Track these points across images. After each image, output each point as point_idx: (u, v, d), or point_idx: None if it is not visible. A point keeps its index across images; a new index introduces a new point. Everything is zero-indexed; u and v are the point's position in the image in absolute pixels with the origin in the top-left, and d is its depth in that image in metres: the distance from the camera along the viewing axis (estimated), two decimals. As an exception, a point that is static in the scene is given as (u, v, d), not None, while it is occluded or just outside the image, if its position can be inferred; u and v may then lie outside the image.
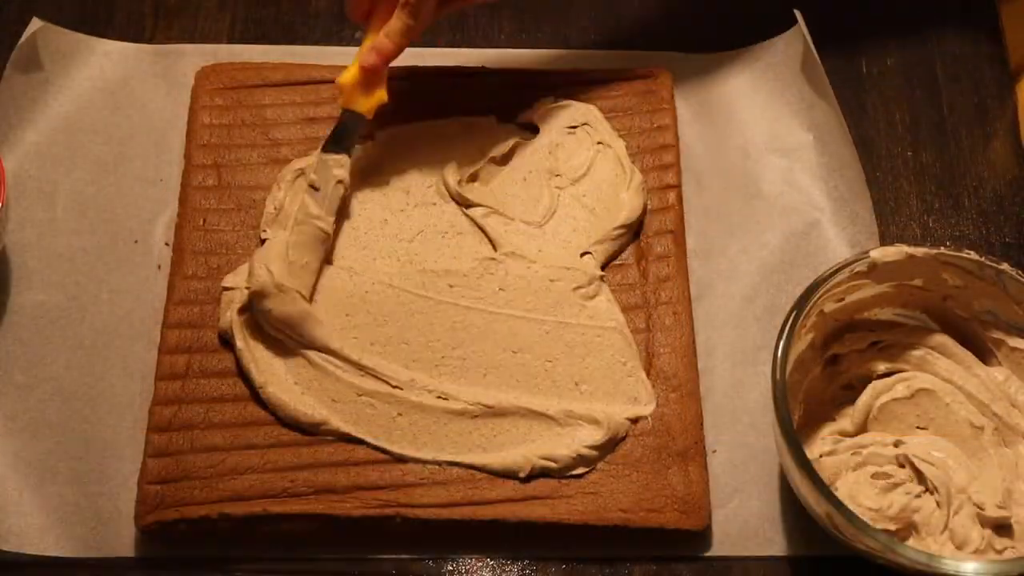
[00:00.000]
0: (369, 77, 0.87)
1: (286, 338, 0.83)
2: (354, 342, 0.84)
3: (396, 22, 0.86)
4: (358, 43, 1.01)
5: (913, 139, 0.99)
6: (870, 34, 1.04)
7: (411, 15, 0.85)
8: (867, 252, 0.80)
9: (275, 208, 0.89)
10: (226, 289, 0.86)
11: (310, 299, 0.84)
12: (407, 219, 0.89)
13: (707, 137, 0.97)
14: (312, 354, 0.83)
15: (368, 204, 0.90)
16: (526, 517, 0.79)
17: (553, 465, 0.80)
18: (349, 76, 0.87)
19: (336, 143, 0.88)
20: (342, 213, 0.88)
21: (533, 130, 0.94)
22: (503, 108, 0.95)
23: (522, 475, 0.80)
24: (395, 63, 0.97)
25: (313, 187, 0.87)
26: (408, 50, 1.00)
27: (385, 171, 0.92)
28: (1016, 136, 0.99)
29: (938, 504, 0.79)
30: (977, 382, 0.82)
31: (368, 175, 0.91)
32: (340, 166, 0.88)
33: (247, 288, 0.83)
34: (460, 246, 0.88)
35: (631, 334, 0.85)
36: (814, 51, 0.96)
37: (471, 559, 0.81)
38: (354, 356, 0.83)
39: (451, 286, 0.86)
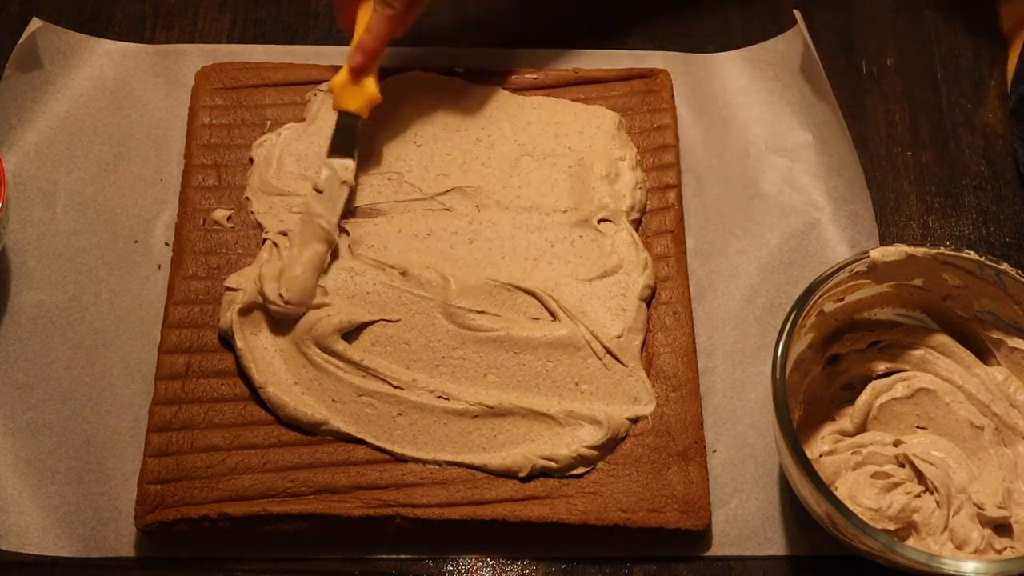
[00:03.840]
0: (357, 76, 0.88)
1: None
2: (355, 342, 0.84)
3: (374, 16, 0.87)
4: (358, 43, 1.02)
5: (913, 139, 0.99)
6: (870, 34, 1.04)
7: (390, 5, 0.86)
8: (867, 252, 0.80)
9: (259, 180, 0.90)
10: (228, 289, 0.86)
11: (313, 295, 0.85)
12: (416, 219, 0.89)
13: (707, 137, 0.97)
14: (313, 354, 0.83)
15: (375, 199, 0.90)
16: (526, 517, 0.79)
17: (553, 465, 0.80)
18: (339, 79, 0.89)
19: (338, 147, 0.89)
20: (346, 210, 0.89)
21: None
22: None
23: (522, 475, 0.80)
24: (394, 63, 0.98)
25: (317, 190, 0.87)
26: (408, 50, 1.01)
27: (390, 162, 0.92)
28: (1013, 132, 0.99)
29: (938, 504, 0.79)
30: (977, 382, 0.82)
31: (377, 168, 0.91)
32: (345, 169, 0.88)
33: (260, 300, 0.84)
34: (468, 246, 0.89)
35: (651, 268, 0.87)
36: (814, 51, 0.96)
37: (471, 559, 0.81)
38: (356, 357, 0.83)
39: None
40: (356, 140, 0.89)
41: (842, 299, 0.83)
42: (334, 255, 0.87)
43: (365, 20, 0.88)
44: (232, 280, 0.86)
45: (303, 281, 0.84)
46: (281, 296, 0.83)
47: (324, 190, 0.87)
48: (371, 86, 0.88)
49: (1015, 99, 0.97)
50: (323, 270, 0.86)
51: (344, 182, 0.88)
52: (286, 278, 0.84)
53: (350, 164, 0.88)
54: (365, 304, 0.85)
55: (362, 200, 0.90)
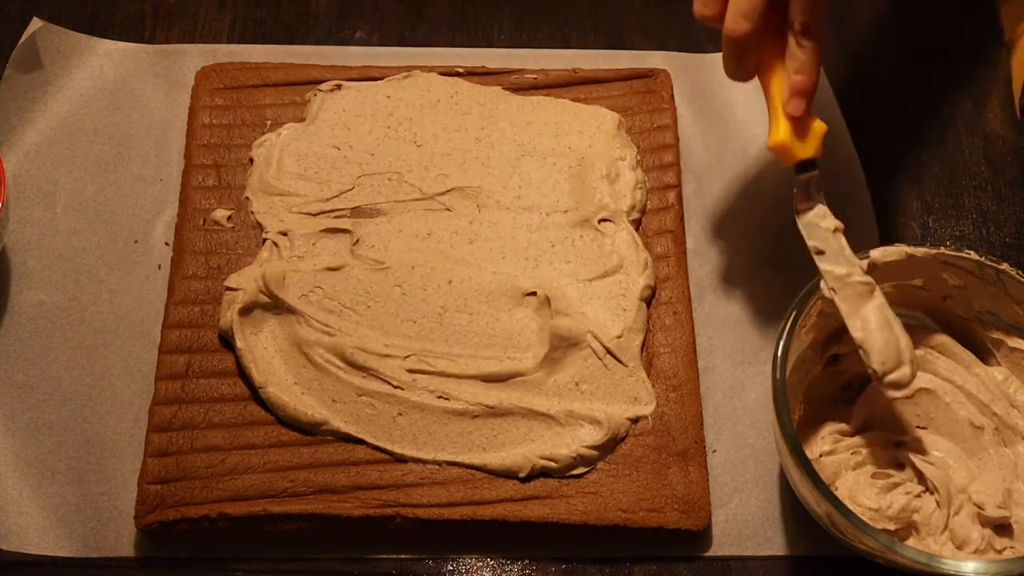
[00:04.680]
0: (802, 123, 0.79)
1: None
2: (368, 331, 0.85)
3: (801, 52, 0.76)
4: (359, 43, 1.02)
5: (913, 139, 0.99)
6: (870, 34, 1.04)
7: (816, 37, 0.75)
8: (867, 252, 0.80)
9: (258, 179, 0.90)
10: (228, 289, 0.86)
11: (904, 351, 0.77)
12: (416, 219, 0.89)
13: (707, 137, 0.97)
14: (313, 354, 0.83)
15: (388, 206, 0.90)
16: (526, 517, 0.79)
17: (553, 465, 0.80)
18: (780, 136, 0.79)
19: (806, 199, 0.81)
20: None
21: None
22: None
23: (522, 475, 0.80)
24: (395, 63, 0.98)
25: (818, 252, 0.79)
26: (408, 50, 1.01)
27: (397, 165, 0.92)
28: (1016, 134, 0.99)
29: (938, 504, 0.79)
30: (977, 382, 0.82)
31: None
32: (823, 216, 0.80)
33: None
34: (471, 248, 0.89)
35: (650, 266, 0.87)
36: (814, 51, 0.96)
37: (471, 559, 0.81)
38: (371, 344, 0.83)
39: (449, 281, 0.86)
40: (818, 183, 0.80)
41: (842, 299, 0.83)
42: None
43: (778, 68, 0.79)
44: (232, 280, 0.86)
45: (888, 340, 0.76)
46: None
47: (825, 250, 0.79)
48: (817, 122, 0.80)
49: None
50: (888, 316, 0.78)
51: (836, 229, 0.79)
52: (885, 350, 0.76)
53: (824, 210, 0.80)
54: (365, 302, 0.85)
55: (362, 200, 0.90)
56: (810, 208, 0.80)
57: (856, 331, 0.76)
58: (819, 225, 0.80)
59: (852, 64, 1.03)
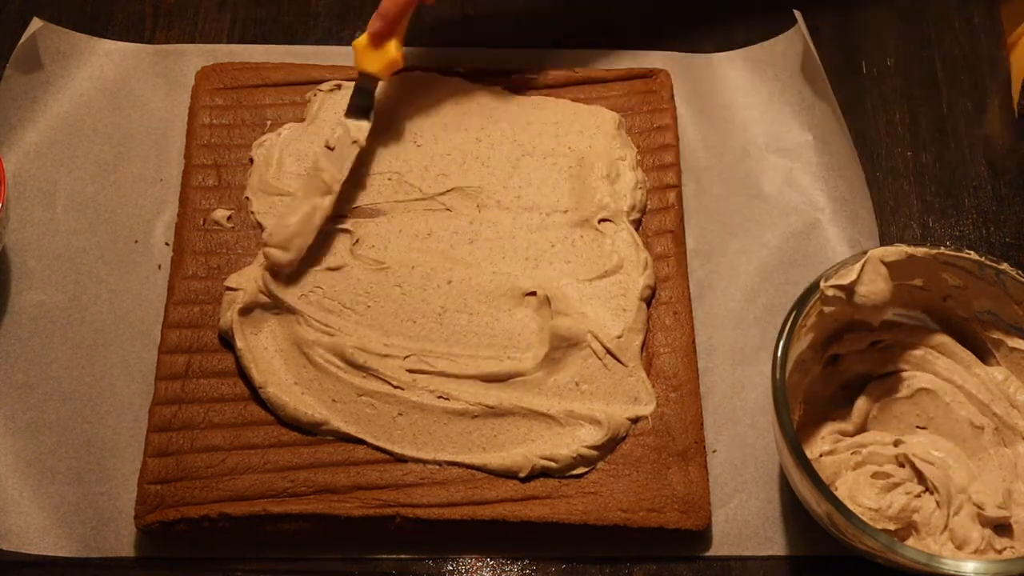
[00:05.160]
0: (376, 40, 0.89)
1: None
2: (367, 330, 0.85)
3: None
4: (358, 43, 1.02)
5: (913, 139, 0.99)
6: (870, 34, 1.04)
7: None
8: (867, 252, 0.80)
9: (258, 178, 0.90)
10: (229, 289, 0.86)
11: (304, 249, 0.86)
12: (416, 219, 0.89)
13: (707, 137, 0.97)
14: (313, 354, 0.83)
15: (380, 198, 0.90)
16: (526, 517, 0.79)
17: (553, 465, 0.80)
18: (361, 40, 0.90)
19: (355, 108, 0.90)
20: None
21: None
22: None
23: (522, 475, 0.80)
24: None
25: (328, 147, 0.88)
26: (409, 50, 1.01)
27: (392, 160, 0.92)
28: (1016, 135, 0.99)
29: (938, 504, 0.79)
30: (977, 382, 0.82)
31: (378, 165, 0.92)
32: (359, 129, 0.89)
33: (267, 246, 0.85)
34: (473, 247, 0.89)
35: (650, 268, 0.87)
36: (814, 51, 0.96)
37: (471, 559, 0.81)
38: (371, 344, 0.83)
39: (449, 281, 0.86)
40: (373, 102, 0.90)
41: (842, 299, 0.83)
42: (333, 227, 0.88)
43: None
44: (232, 280, 0.86)
45: (295, 230, 0.85)
46: (265, 241, 0.85)
47: (335, 147, 0.88)
48: (392, 49, 0.90)
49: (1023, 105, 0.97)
50: (319, 226, 0.87)
51: (355, 141, 0.89)
52: (278, 224, 0.85)
53: (364, 125, 0.90)
54: (365, 300, 0.85)
55: (362, 200, 0.90)
56: (355, 118, 0.90)
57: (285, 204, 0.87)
58: (348, 131, 0.89)
59: (852, 64, 1.02)
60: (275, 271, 0.85)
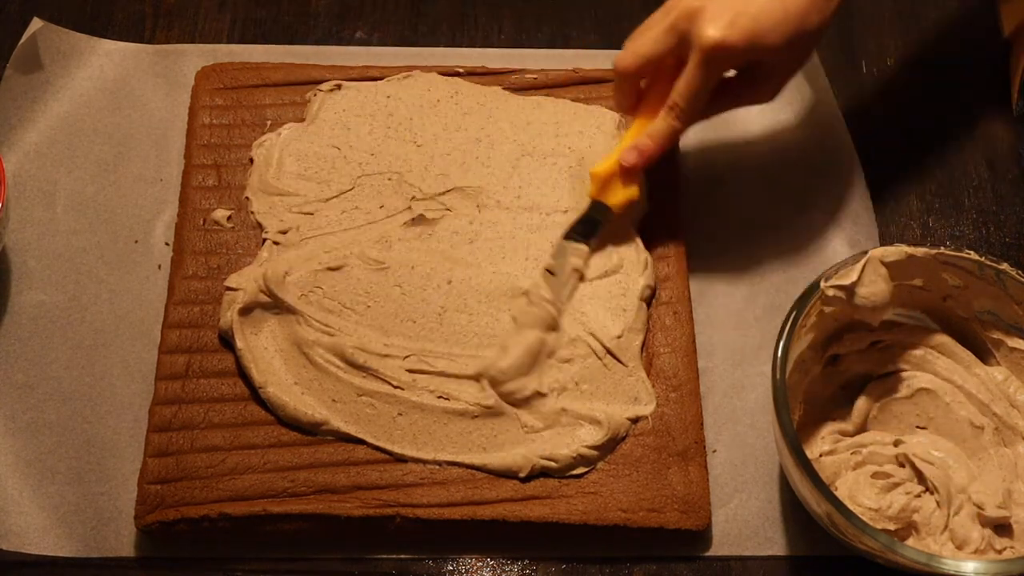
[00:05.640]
0: (626, 174, 0.85)
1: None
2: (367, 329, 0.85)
3: (661, 124, 0.83)
4: (359, 43, 1.02)
5: (913, 139, 0.99)
6: (870, 34, 1.04)
7: (678, 119, 0.82)
8: (867, 252, 0.80)
9: (258, 179, 0.90)
10: (228, 289, 0.86)
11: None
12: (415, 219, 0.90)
13: (707, 137, 0.97)
14: (313, 354, 0.83)
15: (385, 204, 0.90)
16: (526, 517, 0.79)
17: (553, 465, 0.80)
18: (605, 168, 0.85)
19: (581, 232, 0.86)
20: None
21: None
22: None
23: (522, 475, 0.80)
24: (395, 63, 0.98)
25: (549, 272, 0.85)
26: (408, 50, 1.01)
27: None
28: (1015, 135, 0.99)
29: (938, 504, 0.79)
30: (977, 382, 0.82)
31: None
32: (579, 256, 0.86)
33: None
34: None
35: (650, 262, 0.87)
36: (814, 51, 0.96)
37: (471, 559, 0.81)
38: (371, 344, 0.83)
39: (449, 281, 0.86)
40: (600, 232, 0.87)
41: (842, 299, 0.83)
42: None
43: (648, 120, 0.85)
44: (232, 280, 0.86)
45: (519, 367, 0.82)
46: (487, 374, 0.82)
47: (558, 274, 0.85)
48: (635, 187, 0.86)
49: (1022, 104, 0.97)
50: (540, 356, 0.83)
51: (576, 269, 0.85)
52: (505, 355, 0.82)
53: (585, 251, 0.86)
54: (366, 300, 0.85)
55: (362, 200, 0.90)
56: (575, 241, 0.86)
57: (510, 331, 0.83)
58: (570, 257, 0.85)
59: (852, 64, 1.02)
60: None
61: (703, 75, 0.79)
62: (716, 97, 0.83)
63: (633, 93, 0.85)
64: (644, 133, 0.84)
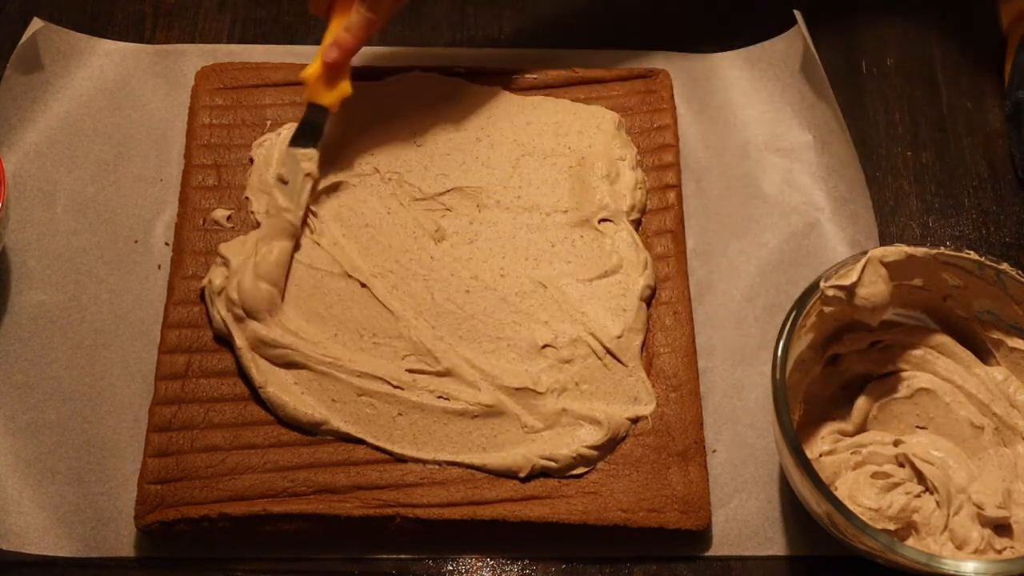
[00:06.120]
0: (331, 71, 0.88)
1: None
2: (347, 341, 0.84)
3: (355, 16, 0.86)
4: (358, 43, 1.02)
5: (913, 139, 0.99)
6: (870, 34, 1.04)
7: (370, 8, 0.86)
8: (867, 252, 0.80)
9: (259, 179, 0.90)
10: (220, 258, 0.86)
11: (283, 293, 0.85)
12: (414, 219, 0.90)
13: (707, 137, 0.97)
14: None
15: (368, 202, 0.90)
16: (526, 517, 0.79)
17: (553, 465, 0.80)
18: (312, 70, 0.88)
19: (303, 137, 0.89)
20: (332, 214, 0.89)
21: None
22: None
23: (522, 475, 0.80)
24: (394, 63, 0.98)
25: (282, 180, 0.88)
26: (408, 50, 1.01)
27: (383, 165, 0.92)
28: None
29: (938, 504, 0.79)
30: (977, 382, 0.82)
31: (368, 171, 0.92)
32: (308, 159, 0.88)
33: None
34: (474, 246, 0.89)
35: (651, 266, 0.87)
36: (814, 51, 0.96)
37: (471, 559, 0.81)
38: (346, 361, 0.83)
39: (468, 291, 0.86)
40: (322, 132, 0.90)
41: (842, 299, 0.83)
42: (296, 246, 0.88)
43: (343, 17, 0.88)
44: (224, 248, 0.86)
45: (269, 275, 0.85)
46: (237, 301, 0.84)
47: (291, 181, 0.87)
48: (345, 82, 0.88)
49: (1011, 105, 0.97)
50: (288, 265, 0.86)
51: (308, 174, 0.88)
52: (252, 286, 0.84)
53: (314, 154, 0.88)
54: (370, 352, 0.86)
55: (361, 203, 0.90)
56: (302, 146, 0.88)
57: (256, 245, 0.85)
58: (300, 163, 0.87)
59: (852, 64, 1.02)
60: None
61: None
62: None
63: None
64: (342, 28, 0.87)
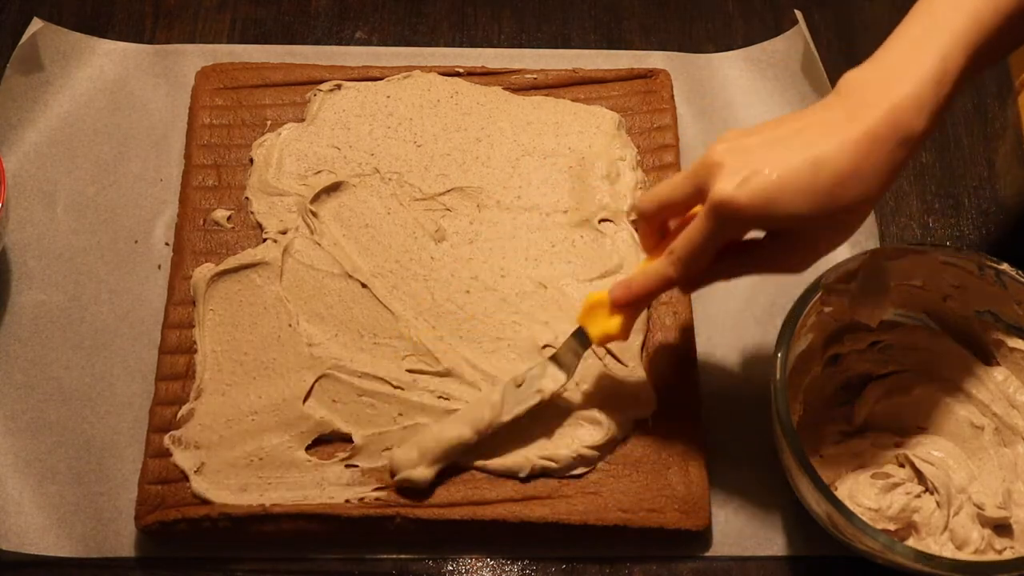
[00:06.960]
0: (615, 308, 0.78)
1: None
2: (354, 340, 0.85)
3: (657, 265, 0.75)
4: (358, 43, 1.02)
5: (913, 139, 0.99)
6: (870, 34, 1.04)
7: (672, 264, 0.74)
8: (867, 252, 0.80)
9: (258, 179, 0.90)
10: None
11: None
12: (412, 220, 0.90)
13: (707, 137, 0.97)
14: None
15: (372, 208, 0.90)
16: (526, 517, 0.79)
17: (553, 465, 0.80)
18: (598, 296, 0.78)
19: (561, 359, 0.81)
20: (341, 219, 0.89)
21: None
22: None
23: (522, 475, 0.80)
24: (395, 63, 0.98)
25: (515, 384, 0.81)
26: (408, 50, 1.01)
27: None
28: (1016, 136, 0.99)
29: (938, 504, 0.79)
30: (977, 382, 0.82)
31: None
32: (555, 382, 0.81)
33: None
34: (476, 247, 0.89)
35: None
36: (814, 51, 0.96)
37: (471, 559, 0.81)
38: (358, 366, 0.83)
39: (468, 291, 0.86)
40: (578, 360, 0.81)
41: (842, 299, 0.83)
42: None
43: (656, 257, 0.77)
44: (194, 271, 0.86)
45: (437, 452, 0.80)
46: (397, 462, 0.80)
47: (523, 387, 0.81)
48: (616, 323, 0.77)
49: None
50: (450, 461, 0.80)
51: (539, 391, 0.81)
52: (421, 442, 0.80)
53: (561, 378, 0.81)
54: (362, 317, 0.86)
55: (360, 203, 0.90)
56: (559, 367, 0.81)
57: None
58: (546, 380, 0.81)
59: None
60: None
61: (706, 228, 0.71)
62: (739, 258, 0.75)
63: (652, 234, 0.77)
64: (639, 268, 0.78)
